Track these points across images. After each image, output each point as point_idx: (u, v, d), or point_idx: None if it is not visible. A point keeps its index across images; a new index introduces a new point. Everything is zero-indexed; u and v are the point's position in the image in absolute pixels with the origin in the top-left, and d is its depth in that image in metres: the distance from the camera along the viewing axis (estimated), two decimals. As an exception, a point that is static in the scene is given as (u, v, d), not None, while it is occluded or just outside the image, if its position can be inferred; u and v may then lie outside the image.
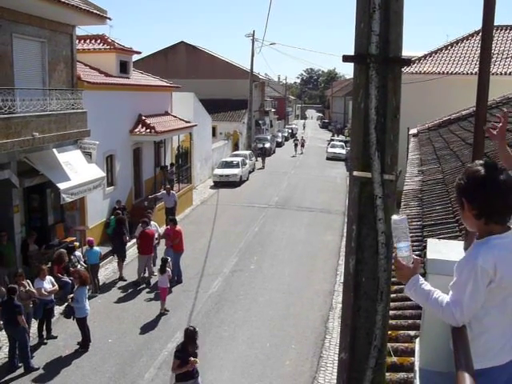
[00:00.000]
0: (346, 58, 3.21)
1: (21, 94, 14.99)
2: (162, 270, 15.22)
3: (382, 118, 3.11)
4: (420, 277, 2.90)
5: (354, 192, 3.24)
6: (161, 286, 15.35)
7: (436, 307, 2.80)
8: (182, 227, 18.70)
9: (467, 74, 26.24)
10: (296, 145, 56.64)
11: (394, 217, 2.95)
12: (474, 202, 2.72)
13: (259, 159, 46.46)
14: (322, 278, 18.39)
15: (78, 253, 16.65)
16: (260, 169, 44.17)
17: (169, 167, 27.70)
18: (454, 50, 29.32)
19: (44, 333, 13.57)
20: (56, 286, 13.80)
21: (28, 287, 12.94)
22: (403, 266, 2.92)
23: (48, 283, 13.44)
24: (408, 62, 3.17)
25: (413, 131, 18.60)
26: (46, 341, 13.46)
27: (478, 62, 4.02)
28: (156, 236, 18.19)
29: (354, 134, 3.28)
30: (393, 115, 3.14)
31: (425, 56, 29.20)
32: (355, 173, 3.19)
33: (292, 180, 38.66)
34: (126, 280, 17.78)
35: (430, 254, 3.43)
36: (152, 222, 18.54)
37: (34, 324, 13.73)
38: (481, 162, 2.79)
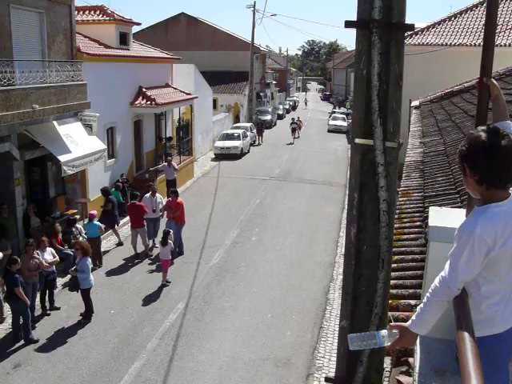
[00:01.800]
0: (348, 24, 3.16)
1: (20, 65, 14.88)
2: (164, 242, 15.25)
3: (384, 84, 3.08)
4: (410, 321, 2.92)
5: (355, 160, 3.22)
6: (162, 258, 15.40)
7: (435, 294, 2.80)
8: (183, 199, 18.71)
9: (471, 45, 25.97)
10: (294, 129, 46.33)
11: (349, 342, 3.02)
12: (475, 168, 2.70)
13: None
14: (322, 249, 18.46)
15: (79, 225, 16.68)
16: (257, 145, 42.80)
17: (164, 141, 27.52)
18: (457, 21, 28.94)
19: (47, 304, 13.67)
20: (57, 258, 13.86)
21: (38, 258, 13.02)
22: (399, 341, 2.95)
23: (49, 254, 13.49)
24: (411, 27, 3.12)
25: (415, 103, 18.47)
26: (49, 312, 13.56)
27: (482, 34, 3.97)
28: (160, 208, 18.21)
29: (356, 101, 3.25)
30: (395, 82, 3.10)
31: (428, 27, 28.85)
32: (357, 140, 3.17)
33: (293, 152, 38.57)
34: (122, 244, 18.02)
35: (432, 222, 3.42)
36: (157, 194, 18.54)
37: (37, 295, 13.82)
38: (483, 127, 2.76)
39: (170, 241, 15.43)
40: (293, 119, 48.02)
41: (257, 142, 43.45)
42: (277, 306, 14.16)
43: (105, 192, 18.74)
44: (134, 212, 17.49)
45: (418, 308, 2.92)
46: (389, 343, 2.95)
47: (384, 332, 2.96)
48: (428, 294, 2.83)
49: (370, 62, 3.09)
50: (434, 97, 18.02)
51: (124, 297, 14.57)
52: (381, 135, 3.07)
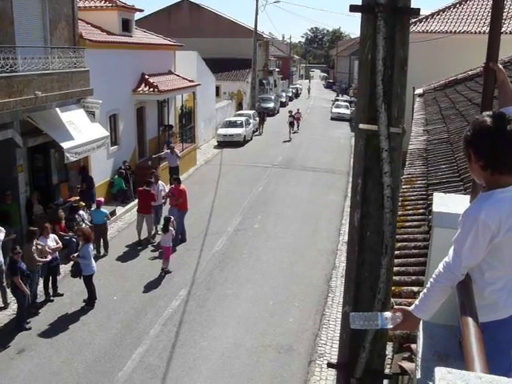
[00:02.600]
0: (353, 8, 3.13)
1: (22, 52, 14.82)
2: (165, 229, 15.26)
3: (389, 69, 3.06)
4: (413, 306, 2.93)
5: (359, 145, 3.20)
6: (164, 245, 15.42)
7: (438, 279, 2.81)
8: (185, 187, 18.72)
9: (476, 32, 25.78)
10: (291, 123, 40.86)
11: (351, 320, 3.04)
12: (479, 153, 2.69)
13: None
14: (325, 237, 18.47)
15: (82, 212, 16.69)
16: (258, 135, 41.56)
17: (163, 128, 27.40)
18: (462, 8, 28.70)
19: (50, 290, 13.72)
20: (60, 244, 13.88)
21: (40, 244, 13.07)
22: (402, 325, 2.97)
23: (52, 241, 13.52)
24: (417, 11, 3.09)
25: (418, 91, 18.39)
26: (52, 298, 13.62)
27: (487, 21, 3.94)
28: (163, 195, 18.22)
29: (360, 86, 3.23)
30: (400, 67, 3.08)
31: (432, 14, 28.64)
32: (361, 125, 3.15)
33: (296, 140, 38.50)
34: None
35: (435, 207, 3.42)
36: (160, 182, 18.55)
37: (41, 282, 13.87)
38: (488, 113, 2.75)
39: (171, 228, 15.43)
40: (290, 112, 42.25)
41: (258, 132, 42.36)
42: (279, 293, 14.19)
43: (82, 170, 18.70)
44: (144, 198, 17.51)
45: (421, 293, 2.92)
46: (391, 326, 2.96)
47: (387, 314, 2.97)
48: (432, 280, 2.83)
49: (375, 46, 3.06)
50: (438, 85, 17.93)
51: (127, 283, 14.61)
52: (385, 121, 3.05)
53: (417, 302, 2.92)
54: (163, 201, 18.34)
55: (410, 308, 2.92)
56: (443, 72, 20.07)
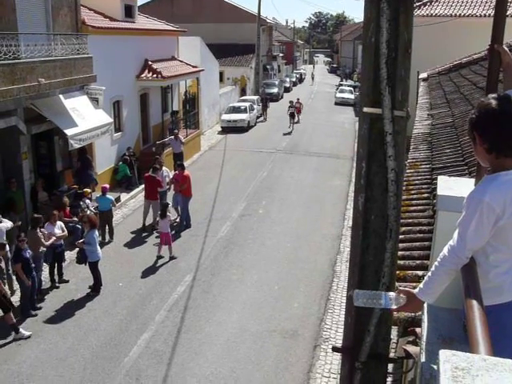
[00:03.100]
0: (356, -10, 3.10)
1: (25, 39, 14.77)
2: (163, 215, 15.24)
3: (393, 52, 3.03)
4: (417, 289, 2.93)
5: (363, 129, 3.18)
6: (162, 231, 15.43)
7: (443, 262, 2.80)
8: (190, 173, 18.72)
9: (480, 16, 25.58)
10: (292, 114, 37.60)
11: (354, 297, 3.07)
12: (484, 136, 2.67)
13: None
14: (329, 222, 18.48)
15: (87, 200, 16.72)
16: (262, 121, 40.73)
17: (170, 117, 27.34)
18: (467, -9, 28.46)
19: (56, 277, 13.78)
20: (65, 232, 13.93)
21: (43, 232, 13.13)
22: (405, 307, 2.98)
23: (58, 228, 13.57)
24: (421, -8, 3.06)
25: (423, 75, 18.29)
26: (58, 285, 13.69)
27: (492, 4, 3.90)
28: (167, 181, 18.23)
29: (364, 69, 3.20)
30: (404, 49, 3.05)
31: (436, -3, 28.42)
32: (365, 109, 3.13)
33: (300, 125, 38.41)
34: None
35: (440, 191, 3.40)
36: (164, 168, 18.55)
37: (46, 268, 13.94)
38: (493, 95, 2.73)
39: (168, 214, 15.41)
40: (291, 102, 38.72)
41: (262, 118, 41.50)
42: (284, 278, 14.23)
43: (79, 151, 18.60)
44: (150, 184, 17.53)
45: (425, 276, 2.92)
46: (394, 307, 2.97)
47: (391, 294, 2.98)
48: (436, 263, 2.83)
49: (379, 29, 3.04)
50: (442, 69, 17.82)
51: (132, 269, 14.67)
52: (389, 104, 3.03)
53: (421, 285, 2.92)
54: (167, 187, 18.35)
55: (415, 291, 2.92)
56: (448, 56, 19.94)
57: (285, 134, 35.21)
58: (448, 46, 22.82)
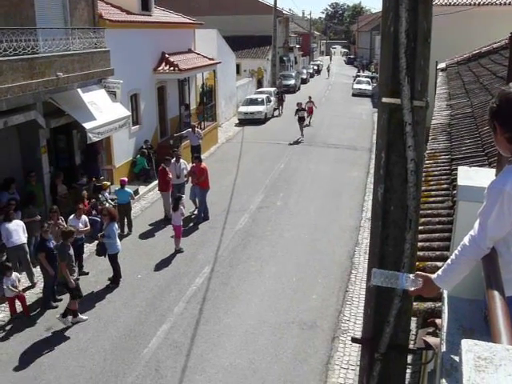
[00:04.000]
0: (374, -20, 3.08)
1: (43, 34, 14.87)
2: (175, 208, 15.29)
3: (412, 42, 3.01)
4: (435, 274, 2.93)
5: (382, 119, 3.17)
6: (174, 224, 15.47)
7: (463, 252, 2.79)
8: (207, 165, 18.77)
9: (501, 4, 25.25)
10: (301, 119, 31.36)
11: (372, 283, 3.12)
12: (506, 125, 2.64)
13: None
14: (347, 214, 18.42)
15: (105, 192, 16.83)
16: (277, 116, 39.20)
17: (183, 110, 27.33)
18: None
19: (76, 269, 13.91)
20: (88, 227, 14.05)
21: (62, 224, 13.26)
22: (421, 290, 2.99)
23: (82, 223, 13.60)
24: (440, -19, 3.03)
25: (441, 65, 18.12)
26: (78, 277, 13.77)
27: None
28: (185, 173, 18.27)
29: (383, 59, 3.18)
30: (424, 39, 3.02)
31: (455, -14, 28.09)
32: (384, 99, 3.12)
33: (317, 117, 38.21)
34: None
35: (460, 181, 3.38)
36: (182, 160, 18.58)
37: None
38: None
39: (181, 207, 15.45)
40: (299, 104, 31.96)
41: (277, 113, 40.01)
42: (302, 269, 14.23)
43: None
44: (162, 176, 17.61)
45: (445, 264, 2.91)
46: (411, 288, 2.99)
47: (409, 275, 3.00)
48: (456, 251, 2.81)
49: (398, 18, 3.01)
50: (461, 58, 17.65)
51: (151, 261, 14.76)
52: (408, 94, 3.01)
53: (440, 271, 2.91)
54: (185, 179, 18.40)
55: (432, 276, 2.93)
56: (466, 45, 19.73)
57: (290, 144, 29.52)
58: (467, 36, 22.58)
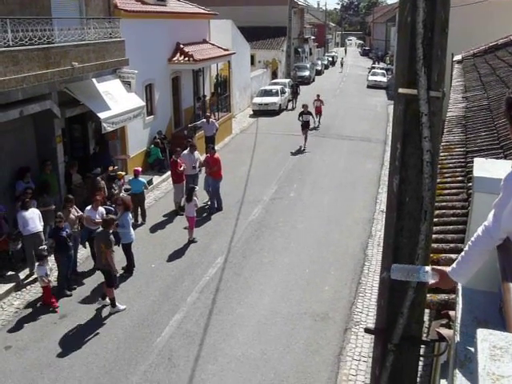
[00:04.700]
0: (392, -31, 3.06)
1: (58, 23, 14.92)
2: (189, 199, 15.32)
3: (429, 32, 2.98)
4: (450, 268, 2.97)
5: (398, 110, 3.15)
6: (188, 216, 15.50)
7: (477, 243, 2.79)
8: (221, 156, 18.80)
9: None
10: (306, 125, 26.68)
11: (392, 270, 3.18)
12: None
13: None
14: (361, 206, 18.38)
15: (119, 182, 16.90)
16: (290, 110, 38.02)
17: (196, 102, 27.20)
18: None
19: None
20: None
21: (76, 213, 13.35)
22: (438, 283, 3.07)
23: (99, 215, 13.55)
24: (459, -30, 3.00)
25: (457, 58, 17.96)
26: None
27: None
28: (197, 164, 18.30)
29: (399, 49, 3.16)
30: (441, 29, 3.00)
31: (472, -24, 27.73)
32: (400, 90, 3.10)
33: (332, 108, 38.08)
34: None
35: (476, 172, 3.36)
36: (195, 151, 18.59)
37: (81, 249, 14.18)
38: None
39: (194, 197, 15.46)
40: (304, 107, 27.44)
41: (290, 106, 38.78)
42: (315, 261, 14.24)
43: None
44: (173, 168, 17.66)
45: (459, 256, 2.91)
46: (430, 280, 3.07)
47: (427, 268, 3.06)
48: (470, 243, 2.81)
49: (415, 8, 2.99)
50: (477, 51, 17.48)
51: (164, 251, 14.83)
52: (425, 84, 2.99)
53: (454, 264, 2.92)
54: (199, 169, 18.43)
55: (447, 269, 2.94)
56: (483, 37, 19.52)
57: (293, 154, 25.33)
58: (483, 27, 22.36)
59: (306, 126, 26.67)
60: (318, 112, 31.39)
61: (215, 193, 17.71)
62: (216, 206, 17.72)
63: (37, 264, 12.09)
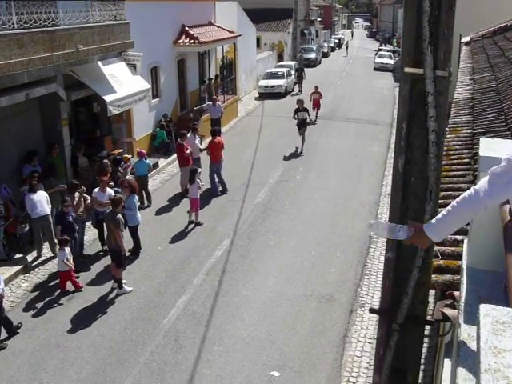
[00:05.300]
0: None
1: (63, 6, 14.82)
2: (191, 181, 15.34)
3: (436, 10, 2.96)
4: (427, 223, 2.97)
5: (404, 89, 3.14)
6: (191, 197, 15.51)
7: (462, 204, 2.77)
8: (227, 138, 18.81)
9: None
10: (302, 124, 23.03)
11: (370, 232, 3.22)
12: None
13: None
14: (367, 188, 18.36)
15: (125, 165, 16.91)
16: (295, 94, 36.37)
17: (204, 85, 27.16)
18: None
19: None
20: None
21: (82, 197, 13.40)
22: (413, 238, 3.03)
23: (107, 197, 13.41)
24: None
25: (465, 39, 17.80)
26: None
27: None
28: (201, 147, 18.25)
29: (405, 28, 3.14)
30: (448, 7, 2.97)
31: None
32: (406, 69, 3.08)
33: (338, 91, 37.97)
34: None
35: (482, 152, 3.35)
36: (197, 135, 18.55)
37: (88, 232, 14.25)
38: None
39: (197, 179, 15.47)
40: (299, 103, 23.45)
41: (295, 91, 37.85)
42: (321, 243, 14.26)
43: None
44: (179, 151, 17.65)
45: (439, 214, 2.91)
46: (404, 238, 3.05)
47: (403, 226, 3.06)
48: (454, 203, 2.80)
49: (422, -14, 2.97)
50: (486, 32, 17.31)
51: (170, 234, 14.88)
52: (431, 63, 2.97)
53: (433, 220, 2.92)
54: (200, 152, 18.36)
55: (424, 225, 2.97)
56: (492, 18, 19.30)
57: (285, 159, 21.79)
58: (493, 8, 22.06)
59: (302, 125, 23.04)
60: (316, 105, 28.51)
61: (212, 176, 17.64)
62: (219, 189, 17.71)
63: (58, 249, 12.11)
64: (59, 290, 11.98)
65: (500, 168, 2.68)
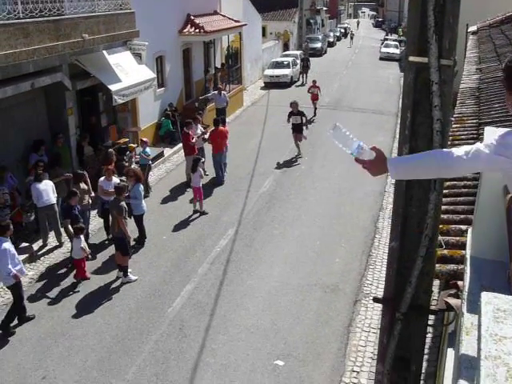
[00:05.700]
0: None
1: (68, -5, 14.84)
2: (194, 169, 15.36)
3: (441, -2, 2.95)
4: (392, 156, 2.85)
5: (409, 78, 3.13)
6: (194, 186, 15.56)
7: (436, 153, 2.74)
8: (232, 128, 18.76)
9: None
10: (297, 128, 20.71)
11: (330, 131, 2.96)
12: None
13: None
14: (372, 178, 18.21)
15: (130, 154, 16.93)
16: (300, 85, 36.36)
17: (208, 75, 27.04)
18: None
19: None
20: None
21: (86, 187, 13.45)
22: (370, 163, 2.85)
23: (112, 186, 13.34)
24: None
25: (472, 29, 17.68)
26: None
27: None
28: (206, 137, 18.25)
29: (410, 17, 3.13)
30: (453, -5, 2.97)
31: None
32: (411, 58, 3.08)
33: (344, 81, 37.82)
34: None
35: (487, 141, 3.34)
36: (199, 125, 18.51)
37: (93, 221, 14.30)
38: None
39: (200, 168, 15.48)
40: (293, 105, 20.85)
41: (300, 82, 37.32)
42: (326, 233, 14.27)
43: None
44: (185, 140, 17.64)
45: (406, 156, 2.84)
46: (359, 156, 2.89)
47: (365, 146, 2.87)
48: (430, 151, 2.74)
49: (427, -26, 2.95)
50: (494, 21, 17.18)
51: (175, 223, 14.91)
52: (436, 52, 2.97)
53: (402, 157, 2.85)
54: (204, 142, 18.34)
55: (388, 157, 2.82)
56: (500, 7, 19.14)
57: (276, 168, 19.33)
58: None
59: (297, 130, 20.79)
60: (315, 99, 27.27)
61: (215, 166, 17.66)
62: (224, 178, 17.72)
63: (74, 237, 12.14)
64: (65, 279, 12.04)
65: (484, 147, 2.63)
